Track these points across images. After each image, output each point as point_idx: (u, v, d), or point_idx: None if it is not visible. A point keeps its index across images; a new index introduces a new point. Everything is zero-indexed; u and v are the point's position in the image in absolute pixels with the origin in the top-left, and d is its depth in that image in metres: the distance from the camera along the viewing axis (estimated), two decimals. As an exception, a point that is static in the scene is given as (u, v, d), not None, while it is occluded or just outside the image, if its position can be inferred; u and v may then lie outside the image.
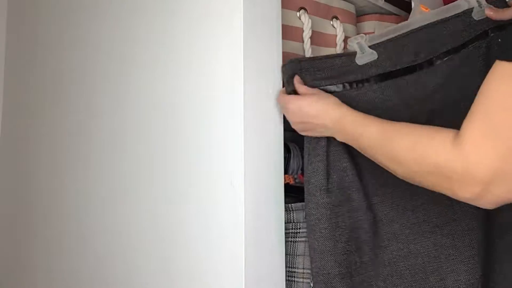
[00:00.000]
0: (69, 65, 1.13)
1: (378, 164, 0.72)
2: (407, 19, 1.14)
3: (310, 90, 0.82)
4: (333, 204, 0.81)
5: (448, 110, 0.78)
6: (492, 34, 0.79)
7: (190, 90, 0.87)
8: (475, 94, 0.62)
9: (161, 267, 0.89)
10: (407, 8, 1.18)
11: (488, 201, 0.56)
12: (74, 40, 1.12)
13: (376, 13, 1.14)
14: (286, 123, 0.87)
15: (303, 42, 0.94)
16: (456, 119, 0.64)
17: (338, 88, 0.82)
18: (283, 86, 0.86)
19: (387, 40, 0.83)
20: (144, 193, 0.93)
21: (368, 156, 0.73)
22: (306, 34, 0.94)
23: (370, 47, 0.83)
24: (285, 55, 0.90)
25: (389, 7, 1.16)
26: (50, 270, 1.11)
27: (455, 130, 0.59)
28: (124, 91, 0.99)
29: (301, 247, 0.90)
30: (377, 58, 0.82)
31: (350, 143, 0.77)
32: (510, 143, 0.52)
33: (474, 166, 0.54)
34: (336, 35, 1.00)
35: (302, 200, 0.91)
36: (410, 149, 0.63)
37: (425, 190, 0.65)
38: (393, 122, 0.70)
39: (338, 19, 1.01)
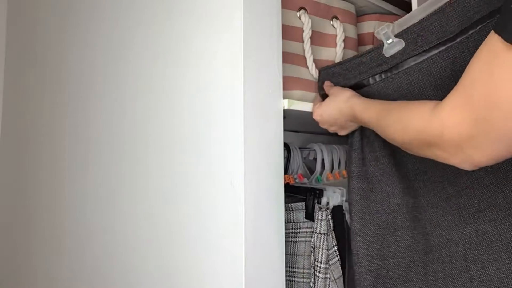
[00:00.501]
0: (68, 65, 1.13)
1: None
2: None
3: (329, 90, 0.88)
4: (365, 190, 0.85)
5: None
6: None
7: (189, 90, 0.87)
8: None
9: (160, 268, 0.88)
10: (407, 8, 1.18)
11: (465, 162, 0.60)
12: (73, 41, 1.12)
13: (376, 13, 1.14)
14: (286, 123, 0.87)
15: (303, 42, 0.94)
16: None
17: (367, 82, 0.84)
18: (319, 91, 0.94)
19: (413, 25, 0.79)
20: (143, 193, 0.93)
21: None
22: (306, 34, 0.94)
23: (396, 36, 0.80)
24: (285, 55, 0.90)
25: (388, 6, 1.16)
26: (49, 269, 1.11)
27: (437, 101, 0.63)
28: (123, 91, 0.99)
29: (301, 247, 0.89)
30: (404, 48, 0.79)
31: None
32: (483, 114, 0.55)
33: (449, 130, 0.59)
34: (336, 35, 0.99)
35: (302, 200, 0.91)
36: (397, 122, 0.70)
37: (466, 174, 0.66)
38: (389, 102, 0.75)
39: (338, 19, 1.00)
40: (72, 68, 1.12)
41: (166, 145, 0.90)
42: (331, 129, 0.89)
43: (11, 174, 1.26)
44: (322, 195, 0.91)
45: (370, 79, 0.83)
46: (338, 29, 0.99)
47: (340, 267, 0.88)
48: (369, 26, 1.12)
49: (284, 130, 0.86)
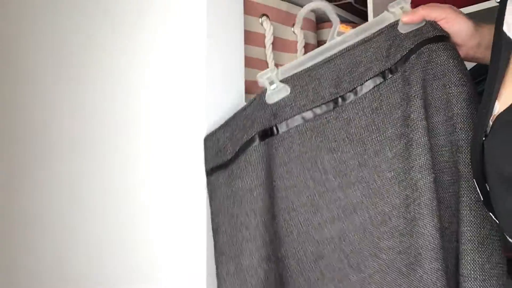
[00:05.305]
0: (44, 66, 1.11)
1: None
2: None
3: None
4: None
5: (374, 153, 0.68)
6: (424, 50, 0.66)
7: (151, 92, 0.87)
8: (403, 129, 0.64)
9: (127, 265, 0.89)
10: (364, 17, 1.23)
11: None
12: (51, 41, 1.11)
13: (335, 21, 1.17)
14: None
15: (265, 47, 0.97)
16: (381, 164, 0.66)
17: (254, 142, 0.72)
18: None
19: (302, 71, 0.74)
20: (111, 192, 0.93)
21: None
22: (268, 40, 0.96)
23: (282, 81, 0.74)
24: (247, 59, 0.92)
25: (347, 15, 1.20)
26: (30, 269, 1.09)
27: None
28: (90, 90, 0.99)
29: None
30: (291, 95, 0.73)
31: None
32: None
33: None
34: (297, 41, 1.03)
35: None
36: None
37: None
38: None
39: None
40: (47, 70, 1.10)
41: (130, 145, 0.90)
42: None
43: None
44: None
45: (256, 136, 0.71)
46: (298, 36, 1.02)
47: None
48: (328, 33, 1.16)
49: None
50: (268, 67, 0.96)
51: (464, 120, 0.63)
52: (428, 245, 0.61)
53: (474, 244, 0.60)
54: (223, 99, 0.83)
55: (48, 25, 1.08)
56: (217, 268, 0.71)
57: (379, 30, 0.71)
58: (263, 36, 0.97)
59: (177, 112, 0.83)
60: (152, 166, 0.86)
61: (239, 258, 0.68)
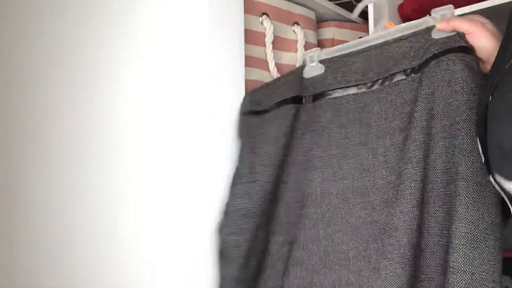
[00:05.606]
0: (42, 67, 1.11)
1: None
2: (365, 27, 1.19)
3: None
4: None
5: (376, 137, 0.76)
6: (445, 58, 0.70)
7: (150, 96, 0.87)
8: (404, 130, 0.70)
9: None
10: (366, 17, 1.22)
11: None
12: (47, 41, 1.10)
13: (335, 20, 1.17)
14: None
15: (265, 46, 0.97)
16: (385, 156, 0.73)
17: (289, 102, 0.84)
18: None
19: (339, 56, 0.84)
20: (109, 192, 0.93)
21: None
22: (268, 39, 0.97)
23: (321, 61, 0.85)
24: (247, 58, 0.93)
25: (348, 14, 1.20)
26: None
27: None
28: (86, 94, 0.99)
29: None
30: (323, 74, 0.84)
31: None
32: None
33: None
34: (297, 40, 1.03)
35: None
36: None
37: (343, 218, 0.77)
38: None
39: (299, 25, 1.04)
40: (41, 65, 1.10)
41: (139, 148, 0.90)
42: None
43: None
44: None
45: (285, 101, 0.84)
46: (299, 35, 1.03)
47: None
48: (328, 32, 1.16)
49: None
50: (268, 66, 0.97)
51: (471, 126, 0.66)
52: (392, 224, 0.69)
53: (468, 239, 0.63)
54: (223, 98, 0.84)
55: (43, 25, 1.08)
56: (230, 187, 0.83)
57: (416, 31, 0.77)
58: (263, 35, 0.97)
59: (177, 112, 0.84)
60: (154, 166, 0.86)
61: (241, 184, 0.81)
